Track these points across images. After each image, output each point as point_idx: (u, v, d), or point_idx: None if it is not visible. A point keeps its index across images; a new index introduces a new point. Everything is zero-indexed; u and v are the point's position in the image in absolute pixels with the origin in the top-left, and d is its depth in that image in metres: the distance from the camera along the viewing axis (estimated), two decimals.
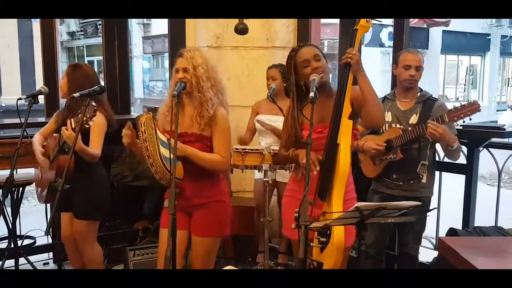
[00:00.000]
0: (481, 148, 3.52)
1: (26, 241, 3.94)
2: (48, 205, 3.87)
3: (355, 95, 2.36)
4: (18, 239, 3.69)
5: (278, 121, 3.59)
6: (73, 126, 2.64)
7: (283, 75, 3.66)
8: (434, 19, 17.10)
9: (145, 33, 20.14)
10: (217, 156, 2.56)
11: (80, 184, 2.98)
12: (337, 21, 4.02)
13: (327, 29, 12.31)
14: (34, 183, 3.33)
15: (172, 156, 2.38)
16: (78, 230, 3.09)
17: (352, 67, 2.32)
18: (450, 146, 2.86)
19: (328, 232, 2.15)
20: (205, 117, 2.54)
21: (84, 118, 2.51)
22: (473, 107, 2.67)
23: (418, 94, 3.03)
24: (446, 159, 3.26)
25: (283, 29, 4.24)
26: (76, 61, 20.66)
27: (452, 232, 3.21)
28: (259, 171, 3.42)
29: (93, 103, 2.87)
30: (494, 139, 3.52)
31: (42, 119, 3.79)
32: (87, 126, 2.57)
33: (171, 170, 2.34)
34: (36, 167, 3.21)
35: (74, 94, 2.75)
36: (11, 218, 3.64)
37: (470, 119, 2.73)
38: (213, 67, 2.62)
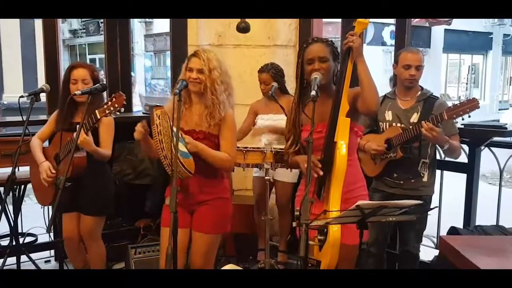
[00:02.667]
0: (482, 147, 3.52)
1: (28, 239, 3.95)
2: None
3: (352, 95, 2.36)
4: (19, 236, 3.70)
5: (278, 120, 3.60)
6: (98, 117, 2.70)
7: (274, 78, 3.67)
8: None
9: (147, 31, 20.14)
10: (225, 155, 2.61)
11: (89, 181, 3.01)
12: (339, 19, 4.02)
13: (329, 28, 12.27)
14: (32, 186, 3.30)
15: (185, 150, 2.41)
16: (87, 227, 3.10)
17: (353, 52, 2.32)
18: (441, 146, 2.87)
19: (325, 230, 2.16)
20: (216, 118, 2.59)
21: (116, 106, 2.64)
22: (472, 104, 2.66)
23: (419, 92, 3.02)
24: (447, 158, 3.26)
25: (285, 28, 4.24)
26: (78, 59, 20.69)
27: (453, 231, 3.21)
28: (260, 170, 3.43)
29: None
30: (496, 138, 3.52)
31: (44, 117, 3.79)
32: (118, 113, 2.68)
33: (184, 163, 2.38)
34: (37, 170, 3.17)
35: (76, 92, 2.76)
36: (12, 216, 3.64)
37: (469, 116, 2.73)
38: (226, 71, 2.66)
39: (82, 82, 3.00)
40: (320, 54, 2.39)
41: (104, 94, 3.13)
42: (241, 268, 2.94)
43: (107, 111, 2.66)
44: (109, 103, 2.66)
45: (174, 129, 2.36)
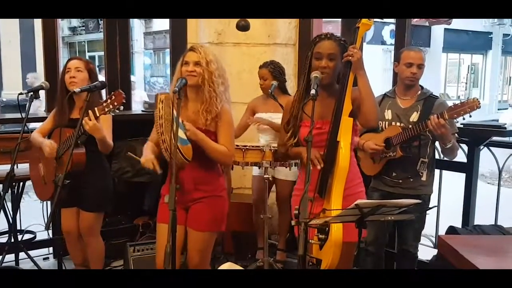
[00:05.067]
0: (482, 147, 3.52)
1: (26, 236, 3.95)
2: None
3: (354, 96, 2.37)
4: (18, 233, 3.70)
5: (277, 119, 3.60)
6: (97, 115, 2.69)
7: (272, 74, 3.67)
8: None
9: (146, 29, 20.10)
10: (224, 148, 2.61)
11: (89, 178, 3.01)
12: (339, 18, 4.02)
13: (329, 26, 12.25)
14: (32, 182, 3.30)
15: (184, 137, 2.41)
16: (87, 223, 3.10)
17: (353, 65, 2.32)
18: (445, 144, 2.88)
19: (327, 229, 2.16)
20: (213, 113, 2.58)
21: (115, 104, 2.61)
22: (472, 104, 2.67)
23: (419, 92, 3.02)
24: (445, 157, 3.26)
25: (284, 26, 4.24)
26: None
27: (451, 230, 3.21)
28: (259, 168, 3.42)
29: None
30: (495, 138, 3.52)
31: (43, 114, 3.80)
32: (117, 111, 2.66)
33: (181, 150, 2.38)
34: (36, 166, 3.19)
35: (75, 89, 2.76)
36: (11, 213, 3.64)
37: (470, 116, 2.73)
38: (222, 66, 2.67)
39: (75, 69, 2.99)
40: (329, 51, 2.38)
41: (103, 91, 3.12)
42: (239, 266, 2.94)
43: (106, 109, 2.66)
44: (108, 101, 2.65)
45: (175, 113, 2.36)
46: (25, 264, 3.62)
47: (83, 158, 2.91)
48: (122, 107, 2.67)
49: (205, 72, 2.55)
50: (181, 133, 2.40)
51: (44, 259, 4.03)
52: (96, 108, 2.68)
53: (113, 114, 2.72)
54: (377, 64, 15.47)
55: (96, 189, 3.08)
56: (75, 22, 21.60)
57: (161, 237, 2.63)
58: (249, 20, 3.71)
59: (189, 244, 2.70)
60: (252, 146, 3.30)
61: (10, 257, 3.55)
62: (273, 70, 3.68)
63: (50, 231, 3.88)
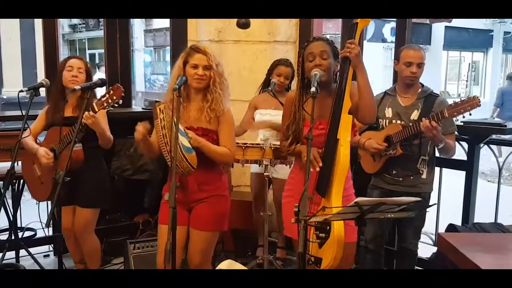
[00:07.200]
0: (482, 145, 3.52)
1: (27, 233, 3.96)
2: None
3: (351, 92, 2.36)
4: (18, 231, 3.70)
5: (277, 115, 3.60)
6: (96, 110, 2.70)
7: (292, 74, 3.70)
8: None
9: (146, 26, 20.09)
10: (226, 150, 2.61)
11: (86, 174, 3.02)
12: None
13: (329, 24, 12.27)
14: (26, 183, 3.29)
15: (189, 145, 2.41)
16: (82, 219, 3.10)
17: (351, 61, 2.32)
18: (437, 145, 2.89)
19: (328, 227, 2.16)
20: (218, 111, 2.59)
21: (114, 98, 2.63)
22: (473, 102, 2.67)
23: (419, 90, 3.02)
24: (441, 156, 3.26)
25: (285, 24, 4.24)
26: (78, 54, 20.63)
27: (451, 228, 3.21)
28: (259, 166, 3.42)
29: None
30: (495, 136, 3.52)
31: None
32: (116, 105, 2.67)
33: (188, 159, 2.38)
34: (30, 167, 3.17)
35: (75, 87, 2.76)
36: (12, 210, 3.65)
37: (470, 114, 2.73)
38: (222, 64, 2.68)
39: (77, 70, 3.00)
40: (321, 49, 2.40)
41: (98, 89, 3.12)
42: (239, 264, 2.94)
43: (105, 104, 2.65)
44: (107, 95, 2.65)
45: (175, 120, 2.36)
46: (26, 262, 3.62)
47: (81, 155, 2.92)
48: (121, 101, 2.66)
49: (215, 75, 2.57)
50: (185, 142, 2.40)
51: (44, 256, 4.03)
52: (94, 103, 2.69)
53: (111, 109, 2.72)
54: (377, 62, 15.47)
55: (91, 184, 3.08)
56: (75, 19, 21.57)
57: (162, 238, 2.62)
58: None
59: (191, 244, 2.69)
60: (252, 144, 3.30)
61: (10, 254, 3.56)
62: (292, 71, 3.71)
63: (50, 229, 3.88)
